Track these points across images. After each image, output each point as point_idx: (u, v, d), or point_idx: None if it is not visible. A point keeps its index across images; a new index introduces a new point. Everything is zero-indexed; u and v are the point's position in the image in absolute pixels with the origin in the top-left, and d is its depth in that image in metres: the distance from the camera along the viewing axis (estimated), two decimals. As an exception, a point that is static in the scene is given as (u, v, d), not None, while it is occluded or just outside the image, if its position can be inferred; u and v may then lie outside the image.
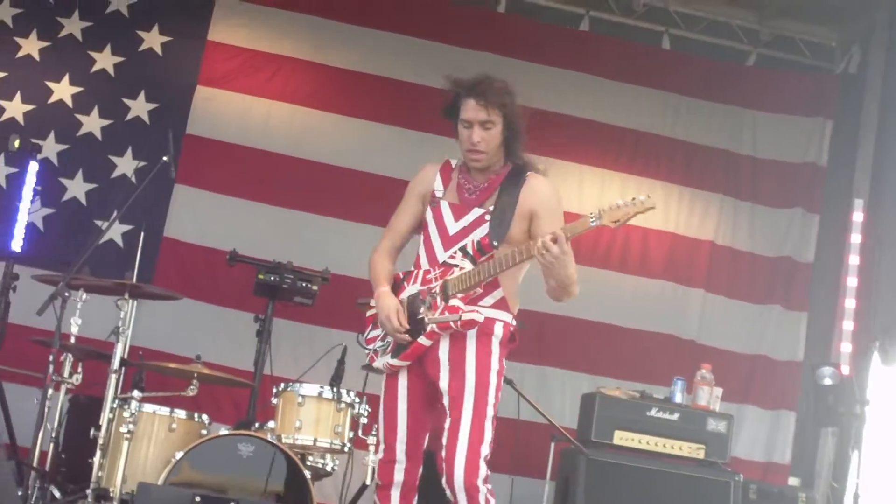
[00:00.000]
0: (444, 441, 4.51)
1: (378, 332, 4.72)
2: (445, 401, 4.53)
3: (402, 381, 4.64)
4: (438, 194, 4.72)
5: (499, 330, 4.60)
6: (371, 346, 4.74)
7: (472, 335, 4.54)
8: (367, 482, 6.33)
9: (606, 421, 7.39)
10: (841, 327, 8.69)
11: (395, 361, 4.61)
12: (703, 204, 9.19)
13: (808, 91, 9.44)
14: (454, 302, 4.50)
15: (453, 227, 4.66)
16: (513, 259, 4.47)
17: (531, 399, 7.07)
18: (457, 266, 4.56)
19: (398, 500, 4.63)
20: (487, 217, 4.60)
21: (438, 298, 4.54)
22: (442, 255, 4.64)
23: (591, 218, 4.41)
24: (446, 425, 4.51)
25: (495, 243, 4.54)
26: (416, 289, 4.64)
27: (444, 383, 4.54)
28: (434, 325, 4.52)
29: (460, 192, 4.70)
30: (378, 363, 4.69)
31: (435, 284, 4.58)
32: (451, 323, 4.48)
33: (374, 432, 6.02)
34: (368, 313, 4.79)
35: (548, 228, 4.52)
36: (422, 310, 4.57)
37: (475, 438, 4.46)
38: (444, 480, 4.49)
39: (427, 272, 4.65)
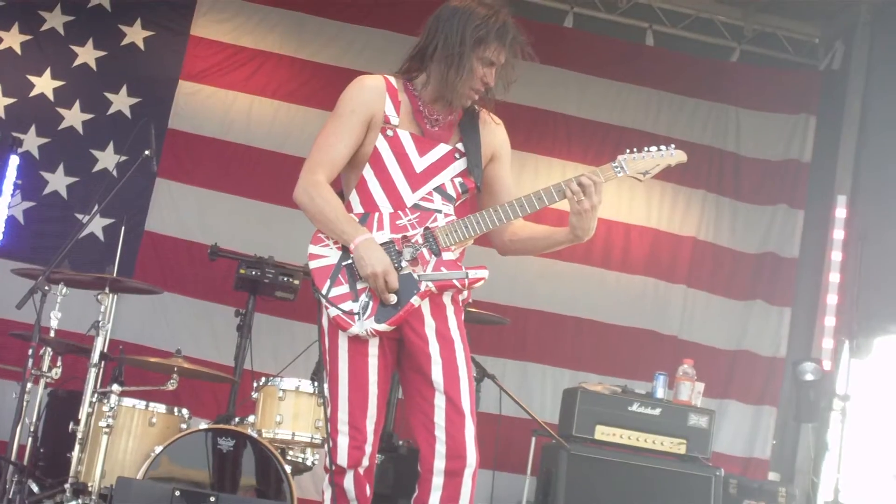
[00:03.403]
0: (440, 421, 3.90)
1: (343, 288, 3.94)
2: (437, 374, 3.92)
3: (373, 350, 3.97)
4: (394, 121, 4.03)
5: (465, 293, 4.08)
6: (342, 307, 3.93)
7: (448, 296, 4.00)
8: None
9: (588, 416, 7.36)
10: (823, 323, 8.72)
11: (382, 327, 3.90)
12: (685, 200, 9.19)
13: (791, 87, 9.44)
14: (448, 256, 3.96)
15: (419, 162, 4.03)
16: (539, 202, 3.95)
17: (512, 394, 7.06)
18: (438, 211, 4.00)
19: (366, 484, 4.00)
20: (457, 155, 4.06)
21: (425, 251, 3.94)
22: (410, 197, 4.00)
23: (615, 167, 3.97)
24: (439, 402, 3.90)
25: (479, 185, 4.06)
26: (385, 236, 3.96)
27: (434, 351, 3.94)
28: (431, 284, 3.92)
29: (419, 120, 4.06)
30: (357, 329, 3.90)
31: (414, 232, 3.96)
32: (455, 281, 3.93)
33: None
34: (318, 263, 4.00)
35: (507, 175, 4.15)
36: (403, 263, 3.92)
37: (473, 418, 3.94)
38: (440, 464, 3.87)
39: (395, 216, 3.98)
